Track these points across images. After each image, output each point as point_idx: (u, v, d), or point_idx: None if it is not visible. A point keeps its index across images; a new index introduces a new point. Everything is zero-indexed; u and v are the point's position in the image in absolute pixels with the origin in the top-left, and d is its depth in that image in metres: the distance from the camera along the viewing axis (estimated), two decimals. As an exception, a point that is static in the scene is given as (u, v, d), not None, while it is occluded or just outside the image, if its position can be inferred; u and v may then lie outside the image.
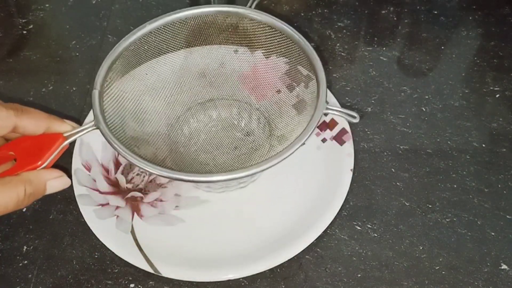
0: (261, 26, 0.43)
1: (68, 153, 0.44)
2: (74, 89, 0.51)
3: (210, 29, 0.44)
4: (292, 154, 0.36)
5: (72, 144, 0.45)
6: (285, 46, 0.43)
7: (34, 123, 0.33)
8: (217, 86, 0.47)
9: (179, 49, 0.45)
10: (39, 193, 0.33)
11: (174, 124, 0.45)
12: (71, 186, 0.41)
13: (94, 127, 0.36)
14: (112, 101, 0.40)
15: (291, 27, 0.41)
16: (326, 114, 0.38)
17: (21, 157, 0.33)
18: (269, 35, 0.43)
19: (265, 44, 0.44)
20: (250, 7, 0.43)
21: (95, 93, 0.38)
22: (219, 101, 0.47)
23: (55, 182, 0.33)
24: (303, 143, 0.36)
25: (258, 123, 0.46)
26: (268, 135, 0.44)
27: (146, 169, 0.35)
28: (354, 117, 0.38)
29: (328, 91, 0.44)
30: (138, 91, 0.44)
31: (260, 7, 0.56)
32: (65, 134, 0.34)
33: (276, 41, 0.43)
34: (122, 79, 0.42)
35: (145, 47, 0.43)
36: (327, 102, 0.38)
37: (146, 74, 0.44)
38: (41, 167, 0.33)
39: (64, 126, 0.35)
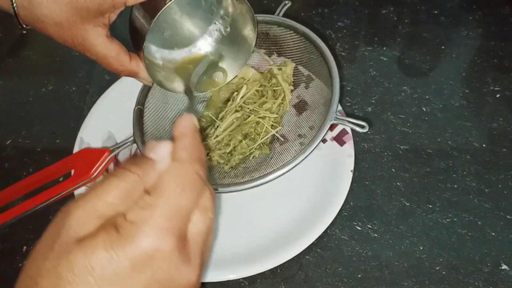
0: (288, 32, 0.44)
1: (68, 153, 0.44)
2: (74, 89, 0.51)
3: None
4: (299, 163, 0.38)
5: (72, 143, 0.45)
6: (302, 51, 0.44)
7: None
8: None
9: None
10: None
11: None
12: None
13: (133, 142, 0.40)
14: (153, 112, 0.43)
15: (314, 34, 0.43)
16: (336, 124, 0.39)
17: (78, 168, 0.39)
18: (291, 40, 0.45)
19: (277, 46, 0.45)
20: (278, 15, 0.45)
21: (137, 110, 0.41)
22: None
23: None
24: (312, 150, 0.38)
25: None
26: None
27: None
28: (363, 126, 0.38)
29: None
30: (178, 100, 0.45)
31: (262, 7, 0.56)
32: (110, 148, 0.40)
33: (294, 45, 0.45)
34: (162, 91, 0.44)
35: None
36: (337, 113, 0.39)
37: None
38: (92, 176, 0.39)
39: None
